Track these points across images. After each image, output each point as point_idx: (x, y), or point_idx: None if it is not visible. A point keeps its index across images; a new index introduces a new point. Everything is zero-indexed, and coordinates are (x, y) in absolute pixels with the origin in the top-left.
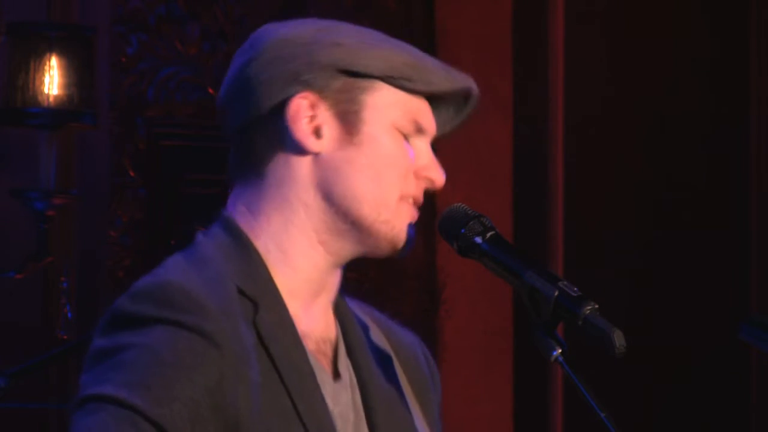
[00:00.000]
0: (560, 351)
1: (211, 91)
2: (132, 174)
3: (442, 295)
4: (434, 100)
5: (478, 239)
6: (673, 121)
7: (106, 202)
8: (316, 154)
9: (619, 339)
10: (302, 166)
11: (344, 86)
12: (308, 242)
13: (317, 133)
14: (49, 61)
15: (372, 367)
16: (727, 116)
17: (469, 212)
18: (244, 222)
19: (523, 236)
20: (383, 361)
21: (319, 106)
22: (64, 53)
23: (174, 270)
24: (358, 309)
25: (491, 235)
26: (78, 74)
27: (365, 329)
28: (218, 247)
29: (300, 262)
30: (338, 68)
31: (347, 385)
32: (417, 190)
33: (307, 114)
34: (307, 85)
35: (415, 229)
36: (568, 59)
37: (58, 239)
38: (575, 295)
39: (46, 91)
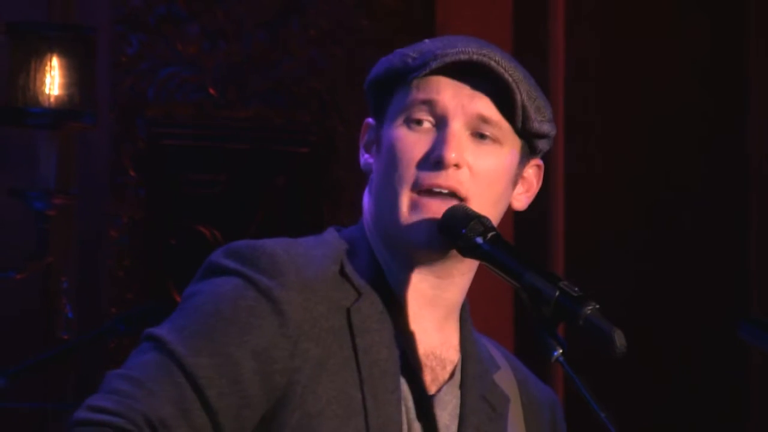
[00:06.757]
0: (561, 351)
1: (211, 91)
2: (132, 174)
3: None
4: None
5: (479, 239)
6: (671, 121)
7: (106, 201)
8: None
9: (619, 339)
10: (371, 179)
11: (379, 102)
12: (384, 248)
13: (371, 152)
14: (50, 61)
15: (478, 403)
16: (725, 115)
17: (470, 212)
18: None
19: (524, 237)
20: (498, 401)
21: (374, 127)
22: (65, 53)
23: (279, 241)
24: (495, 349)
25: (492, 236)
26: (78, 74)
27: (493, 368)
28: (345, 237)
29: (391, 267)
30: (372, 85)
31: (445, 407)
32: (429, 178)
33: (367, 136)
34: (370, 109)
35: (433, 221)
36: (568, 59)
37: (58, 239)
38: (576, 295)
39: (46, 91)
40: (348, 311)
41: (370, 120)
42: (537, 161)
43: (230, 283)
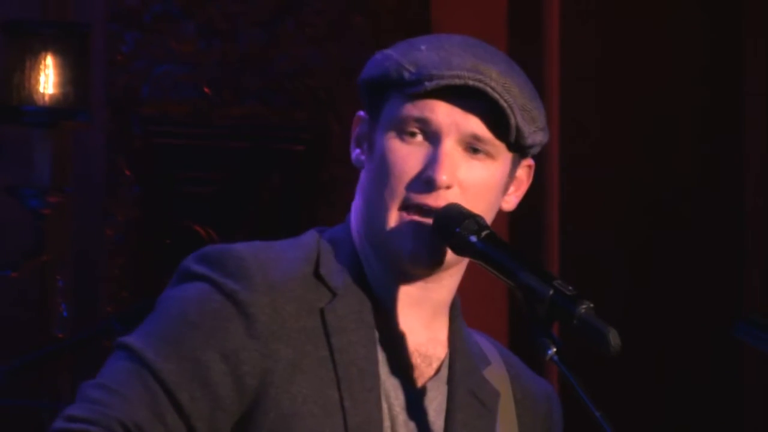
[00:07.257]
0: (555, 350)
1: (206, 89)
2: (127, 172)
3: None
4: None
5: (473, 238)
6: (668, 121)
7: (101, 200)
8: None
9: (614, 338)
10: (361, 177)
11: (372, 101)
12: (371, 248)
13: (363, 149)
14: (45, 59)
15: (466, 399)
16: (724, 115)
17: (464, 211)
18: (352, 222)
19: (519, 236)
20: (488, 396)
21: (366, 122)
22: (59, 51)
23: (252, 244)
24: (489, 344)
25: (486, 234)
26: (73, 72)
27: (483, 364)
28: (327, 238)
29: (374, 267)
30: (366, 85)
31: (430, 403)
32: (419, 197)
33: (359, 129)
34: (363, 104)
35: (419, 240)
36: (563, 58)
37: (54, 237)
38: (570, 294)
39: (41, 89)
40: (322, 311)
41: (361, 113)
42: (528, 161)
43: (197, 288)
